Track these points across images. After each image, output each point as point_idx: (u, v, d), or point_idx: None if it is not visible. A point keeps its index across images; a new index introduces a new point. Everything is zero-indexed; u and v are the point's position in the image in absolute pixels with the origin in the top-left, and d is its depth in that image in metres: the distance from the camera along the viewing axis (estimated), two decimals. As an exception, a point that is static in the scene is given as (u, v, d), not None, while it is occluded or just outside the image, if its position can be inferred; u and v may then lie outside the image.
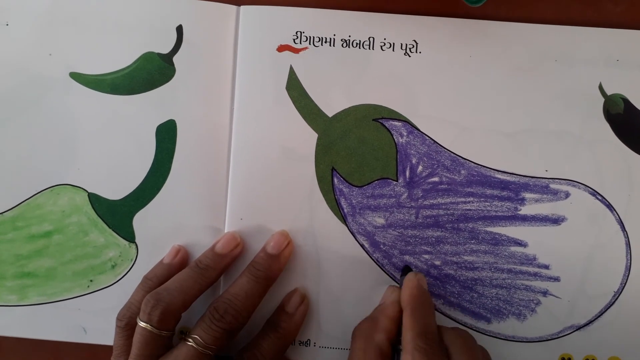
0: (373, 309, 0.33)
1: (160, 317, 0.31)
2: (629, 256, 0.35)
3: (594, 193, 0.35)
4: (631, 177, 0.35)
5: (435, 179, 0.35)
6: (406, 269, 0.35)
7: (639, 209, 0.35)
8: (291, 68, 0.35)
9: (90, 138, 0.36)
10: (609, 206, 0.35)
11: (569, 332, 0.35)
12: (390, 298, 0.32)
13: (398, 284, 0.34)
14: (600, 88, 0.35)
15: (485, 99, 0.35)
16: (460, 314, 0.35)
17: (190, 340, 0.31)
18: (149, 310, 0.31)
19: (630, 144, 0.35)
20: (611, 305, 0.35)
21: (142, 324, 0.31)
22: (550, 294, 0.35)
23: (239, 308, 0.32)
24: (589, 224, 0.35)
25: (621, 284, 0.35)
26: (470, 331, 0.35)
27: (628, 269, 0.35)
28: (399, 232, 0.35)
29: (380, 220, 0.35)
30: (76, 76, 0.36)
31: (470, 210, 0.35)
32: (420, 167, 0.35)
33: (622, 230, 0.35)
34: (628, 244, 0.35)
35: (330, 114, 0.35)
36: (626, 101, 0.35)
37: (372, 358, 0.29)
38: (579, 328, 0.35)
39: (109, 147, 0.36)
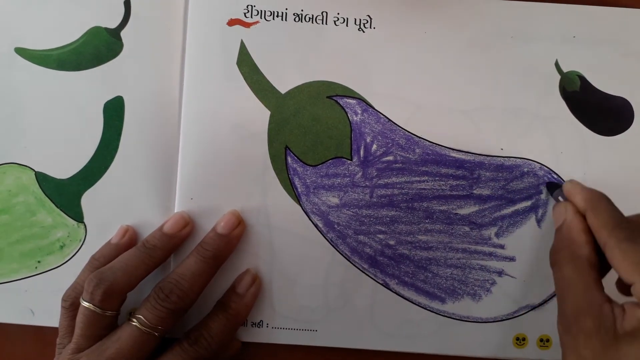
0: (555, 232, 0.31)
1: (102, 296, 0.30)
2: (584, 235, 0.34)
3: (550, 172, 0.34)
4: (587, 155, 0.34)
5: (390, 157, 0.35)
6: (551, 185, 0.34)
7: (594, 188, 0.34)
8: (242, 43, 0.34)
9: (36, 115, 0.35)
10: (564, 185, 0.34)
11: (524, 312, 0.35)
12: (568, 213, 0.30)
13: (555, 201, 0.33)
14: (557, 65, 0.35)
15: (440, 76, 0.34)
16: (414, 294, 0.35)
17: (134, 320, 0.30)
18: (91, 289, 0.30)
19: (586, 121, 0.34)
20: (566, 284, 0.34)
21: (85, 303, 0.30)
22: (505, 274, 0.35)
23: (185, 288, 0.31)
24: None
25: (576, 263, 0.34)
26: (424, 311, 0.35)
27: (583, 248, 0.34)
28: (353, 212, 0.35)
29: (335, 200, 0.35)
30: (21, 51, 0.35)
31: (424, 189, 0.35)
32: (374, 146, 0.35)
33: (577, 209, 0.34)
34: (583, 223, 0.34)
35: (283, 90, 0.35)
36: (582, 78, 0.35)
37: (588, 275, 0.28)
38: (534, 308, 0.35)
39: (55, 124, 0.35)
